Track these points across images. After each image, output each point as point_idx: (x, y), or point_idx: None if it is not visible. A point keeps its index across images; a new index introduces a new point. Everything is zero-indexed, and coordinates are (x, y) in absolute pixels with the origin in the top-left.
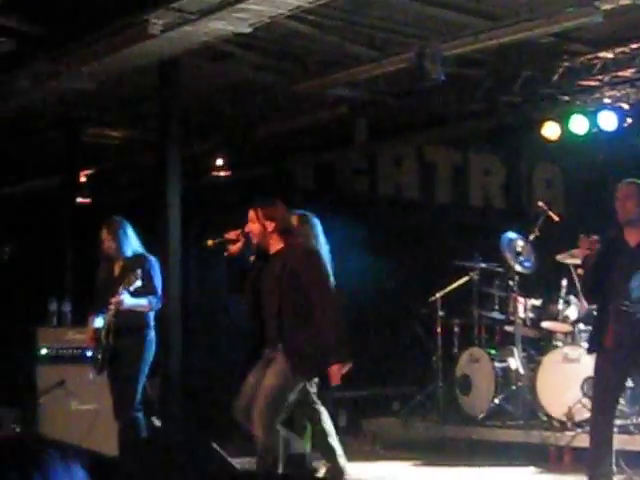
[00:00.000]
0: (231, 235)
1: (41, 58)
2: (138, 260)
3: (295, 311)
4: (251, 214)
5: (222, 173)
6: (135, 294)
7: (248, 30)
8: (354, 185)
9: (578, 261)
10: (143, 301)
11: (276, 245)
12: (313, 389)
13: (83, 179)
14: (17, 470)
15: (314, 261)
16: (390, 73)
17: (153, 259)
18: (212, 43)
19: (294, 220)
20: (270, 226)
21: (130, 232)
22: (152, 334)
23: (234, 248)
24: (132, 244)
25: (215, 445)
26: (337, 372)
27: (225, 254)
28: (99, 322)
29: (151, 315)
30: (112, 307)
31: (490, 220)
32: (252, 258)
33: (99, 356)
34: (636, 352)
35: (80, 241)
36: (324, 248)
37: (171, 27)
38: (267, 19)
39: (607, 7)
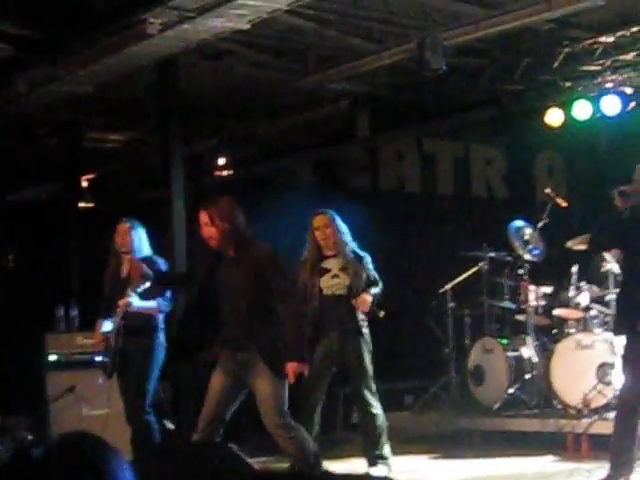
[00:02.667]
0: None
1: (39, 62)
2: (147, 262)
3: (264, 313)
4: (204, 217)
5: (225, 172)
6: (144, 296)
7: (247, 27)
8: (356, 180)
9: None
10: (152, 303)
11: (233, 247)
12: None
13: (85, 184)
14: (85, 471)
15: (277, 261)
16: (391, 65)
17: (162, 261)
18: (211, 41)
19: (320, 220)
20: (227, 227)
21: (143, 234)
22: (162, 337)
23: None
24: (144, 246)
25: (232, 445)
26: (295, 370)
27: None
28: (107, 326)
29: (160, 317)
30: (120, 310)
31: (493, 210)
32: None
33: (109, 360)
34: None
35: (85, 246)
36: (352, 242)
37: (169, 26)
38: (265, 15)
39: None
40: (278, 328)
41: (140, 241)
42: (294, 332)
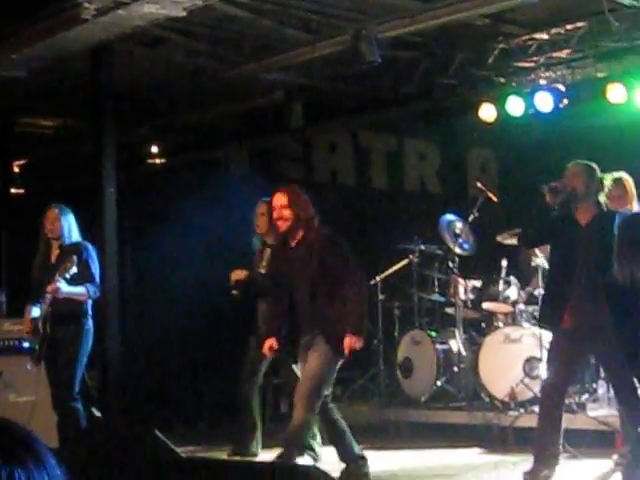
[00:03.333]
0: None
1: None
2: (75, 247)
3: (327, 296)
4: (281, 199)
5: (157, 160)
6: (72, 282)
7: (182, 14)
8: (290, 171)
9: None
10: (80, 289)
11: (300, 232)
12: None
13: (16, 169)
14: (5, 454)
15: (340, 243)
16: (326, 57)
17: (90, 247)
18: (146, 28)
19: (263, 207)
20: (300, 212)
21: (73, 220)
22: (90, 323)
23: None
24: (73, 232)
25: (158, 433)
26: (351, 343)
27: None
28: (36, 312)
29: (89, 304)
30: (49, 296)
31: (426, 205)
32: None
33: (36, 346)
34: (594, 333)
35: (14, 231)
36: None
37: (104, 11)
38: (201, 3)
39: None
40: (341, 310)
41: (69, 227)
42: (353, 310)
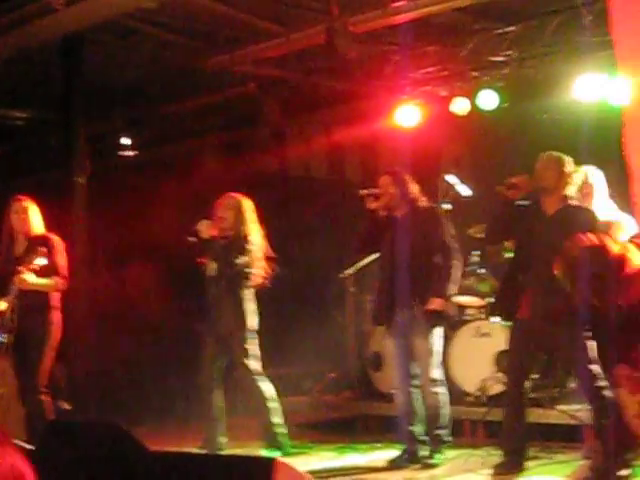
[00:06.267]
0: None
1: None
2: (42, 239)
3: (424, 270)
4: (387, 179)
5: (129, 153)
6: (39, 275)
7: (153, 5)
8: (263, 164)
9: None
10: (47, 281)
11: (402, 209)
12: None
13: None
14: None
15: (441, 221)
16: (300, 50)
17: (57, 239)
18: (117, 18)
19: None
20: (402, 191)
21: (37, 213)
22: (57, 315)
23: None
24: (39, 225)
25: (124, 427)
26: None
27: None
28: (2, 305)
29: (56, 296)
30: (15, 287)
31: None
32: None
33: (3, 339)
34: (551, 323)
35: None
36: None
37: (74, 1)
38: None
39: None
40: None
41: (36, 219)
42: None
